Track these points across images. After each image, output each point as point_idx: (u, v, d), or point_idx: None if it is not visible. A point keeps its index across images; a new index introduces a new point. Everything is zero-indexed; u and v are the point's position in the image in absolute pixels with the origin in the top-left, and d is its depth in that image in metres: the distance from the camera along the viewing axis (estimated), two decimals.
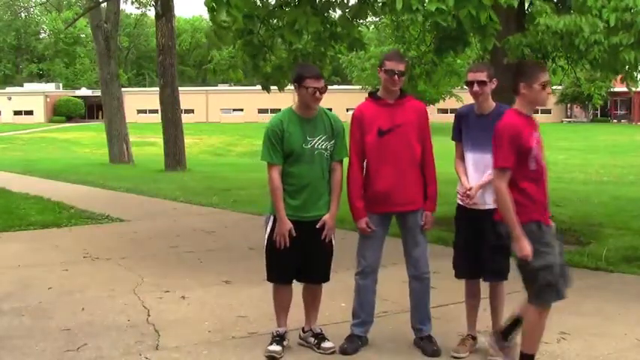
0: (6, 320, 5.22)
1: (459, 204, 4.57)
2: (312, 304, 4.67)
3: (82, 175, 18.64)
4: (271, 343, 4.48)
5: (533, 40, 7.32)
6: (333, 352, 4.47)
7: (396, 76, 4.41)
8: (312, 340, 4.58)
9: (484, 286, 4.63)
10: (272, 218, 4.48)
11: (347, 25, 8.53)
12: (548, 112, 67.30)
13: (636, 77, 9.75)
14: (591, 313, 5.45)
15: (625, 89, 11.26)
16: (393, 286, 6.16)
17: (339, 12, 8.89)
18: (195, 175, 19.24)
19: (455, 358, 4.45)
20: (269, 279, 4.60)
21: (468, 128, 4.52)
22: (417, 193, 4.52)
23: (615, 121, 67.64)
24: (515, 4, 7.17)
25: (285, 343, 4.52)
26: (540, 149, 3.93)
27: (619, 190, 15.78)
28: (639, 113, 63.82)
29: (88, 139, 46.31)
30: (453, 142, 4.69)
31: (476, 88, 4.40)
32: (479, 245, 4.46)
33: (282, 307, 4.62)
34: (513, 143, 3.81)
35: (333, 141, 4.47)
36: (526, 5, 8.13)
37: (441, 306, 5.60)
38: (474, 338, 4.61)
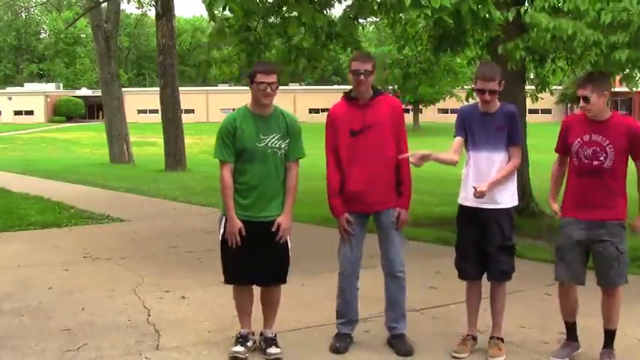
0: (6, 320, 5.21)
1: (461, 204, 4.56)
2: (268, 306, 4.60)
3: (82, 175, 18.65)
4: (235, 344, 4.44)
5: (535, 44, 7.33)
6: (277, 359, 4.40)
7: (362, 76, 4.40)
8: (261, 344, 4.53)
9: (485, 286, 4.62)
10: (224, 219, 4.41)
11: (348, 24, 8.52)
12: (549, 112, 67.38)
13: (635, 77, 9.77)
14: (591, 313, 5.44)
15: (625, 89, 11.25)
16: None
17: (339, 10, 8.89)
18: (195, 175, 19.25)
19: (455, 358, 4.45)
20: (226, 281, 4.54)
21: (474, 127, 4.49)
22: (391, 192, 4.52)
23: None
24: (511, 18, 7.19)
25: (249, 344, 4.46)
26: (587, 149, 4.26)
27: None
28: (639, 113, 63.77)
29: (88, 139, 46.34)
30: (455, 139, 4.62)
31: (487, 97, 4.38)
32: (483, 245, 4.45)
33: (242, 309, 4.57)
34: (562, 135, 4.45)
35: (287, 140, 4.41)
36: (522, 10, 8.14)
37: (441, 306, 5.60)
38: (475, 338, 4.60)
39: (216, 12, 7.86)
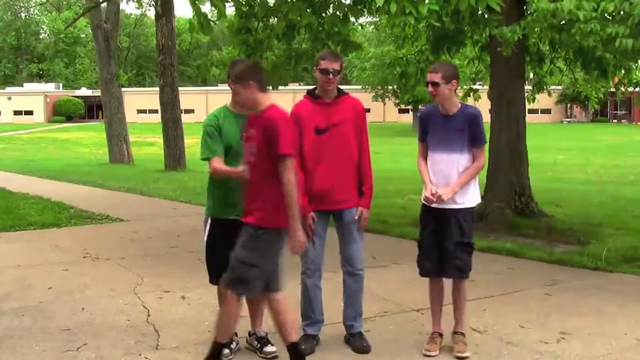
0: (6, 320, 5.22)
1: (424, 203, 4.58)
2: (255, 306, 4.61)
3: (82, 175, 18.65)
4: None
5: (531, 30, 7.28)
6: (274, 357, 4.41)
7: (331, 75, 4.43)
8: (255, 343, 4.55)
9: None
10: (210, 220, 4.44)
11: (337, 23, 8.52)
12: (548, 112, 67.37)
13: (633, 79, 9.82)
14: (591, 313, 5.45)
15: (627, 88, 11.27)
16: (393, 286, 6.17)
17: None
18: (195, 175, 19.22)
19: (427, 356, 4.46)
20: (212, 281, 4.57)
21: (433, 128, 4.54)
22: (354, 191, 4.54)
23: (615, 121, 67.65)
24: None
25: (232, 346, 4.47)
26: (245, 146, 4.05)
27: (619, 190, 15.78)
28: (639, 113, 63.80)
29: (88, 139, 46.33)
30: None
31: (430, 88, 4.45)
32: (442, 243, 4.48)
33: None
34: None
35: None
36: None
37: None
38: (441, 335, 4.62)
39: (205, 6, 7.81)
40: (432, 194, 4.41)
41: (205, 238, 4.48)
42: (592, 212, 11.16)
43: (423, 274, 4.65)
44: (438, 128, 4.51)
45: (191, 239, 8.81)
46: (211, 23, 7.77)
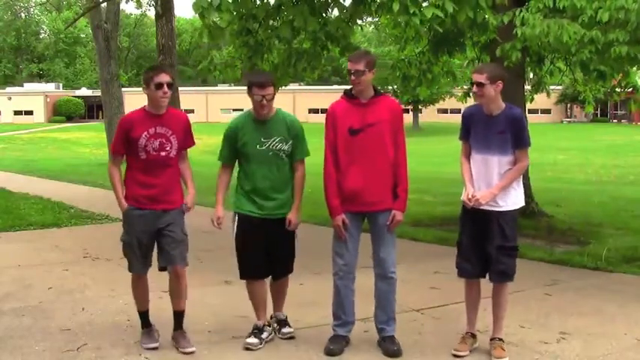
0: (6, 320, 5.22)
1: (463, 204, 4.55)
2: (279, 294, 4.88)
3: (82, 175, 18.67)
4: (249, 336, 4.62)
5: (532, 44, 7.32)
6: (291, 337, 4.73)
7: (353, 76, 4.42)
8: (275, 325, 4.84)
9: (486, 287, 4.62)
10: (237, 216, 4.66)
11: (342, 26, 8.53)
12: (548, 112, 67.39)
13: (631, 82, 9.86)
14: (591, 313, 5.46)
15: (625, 89, 11.30)
16: None
17: (335, 12, 8.87)
18: (195, 175, 19.18)
19: (456, 356, 4.46)
20: (242, 277, 4.73)
21: (475, 129, 4.51)
22: (388, 192, 4.50)
23: (615, 121, 67.65)
24: (506, 21, 7.20)
25: (264, 335, 4.65)
26: (154, 141, 4.49)
27: (619, 190, 15.79)
28: (639, 113, 63.77)
29: (88, 139, 46.32)
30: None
31: (474, 89, 4.41)
32: (484, 245, 4.45)
33: (257, 302, 4.76)
34: (123, 134, 4.55)
35: (290, 142, 4.58)
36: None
37: (441, 306, 5.61)
38: (474, 336, 4.61)
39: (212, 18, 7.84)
40: (469, 198, 4.40)
41: (234, 235, 4.68)
42: (592, 212, 11.17)
43: (461, 275, 4.63)
44: (479, 129, 4.47)
45: (191, 239, 8.77)
46: (220, 30, 7.79)
